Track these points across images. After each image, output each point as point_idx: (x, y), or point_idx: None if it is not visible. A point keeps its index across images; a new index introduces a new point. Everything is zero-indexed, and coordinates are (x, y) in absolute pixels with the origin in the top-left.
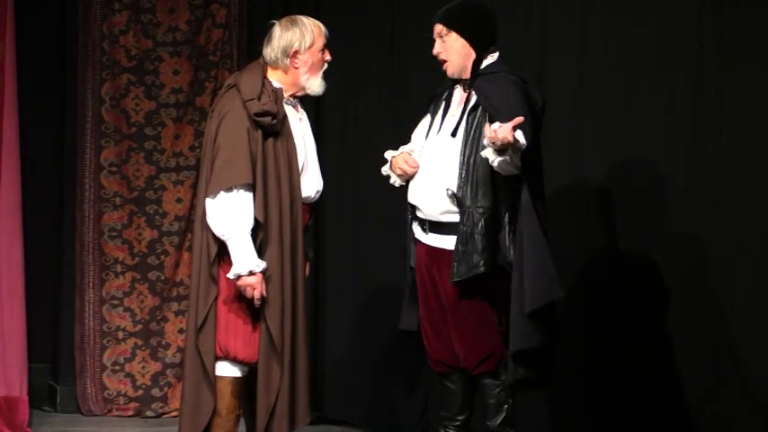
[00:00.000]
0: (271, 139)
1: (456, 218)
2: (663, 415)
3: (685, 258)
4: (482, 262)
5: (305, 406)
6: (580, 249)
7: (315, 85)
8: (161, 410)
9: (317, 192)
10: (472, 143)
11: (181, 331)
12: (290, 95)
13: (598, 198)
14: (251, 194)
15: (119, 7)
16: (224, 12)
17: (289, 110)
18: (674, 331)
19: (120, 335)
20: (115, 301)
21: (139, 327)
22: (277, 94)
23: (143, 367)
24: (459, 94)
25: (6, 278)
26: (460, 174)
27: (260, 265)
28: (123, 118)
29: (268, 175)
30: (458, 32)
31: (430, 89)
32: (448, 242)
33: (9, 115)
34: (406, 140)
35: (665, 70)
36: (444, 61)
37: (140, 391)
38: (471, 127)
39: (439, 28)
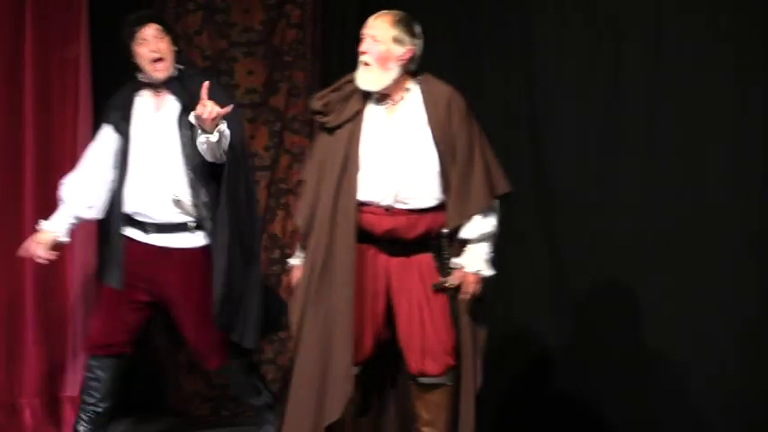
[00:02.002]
0: (331, 138)
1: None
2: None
3: None
4: None
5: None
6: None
7: (357, 80)
8: (236, 410)
9: (386, 197)
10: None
11: None
12: (383, 93)
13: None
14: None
15: (193, 7)
16: (298, 12)
17: (376, 109)
18: None
19: None
20: None
21: None
22: (353, 93)
23: None
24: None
25: (82, 279)
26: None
27: (290, 261)
28: None
29: (321, 174)
30: (171, 36)
31: (503, 84)
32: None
33: (84, 116)
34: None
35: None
36: (162, 60)
37: (216, 391)
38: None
39: (157, 27)
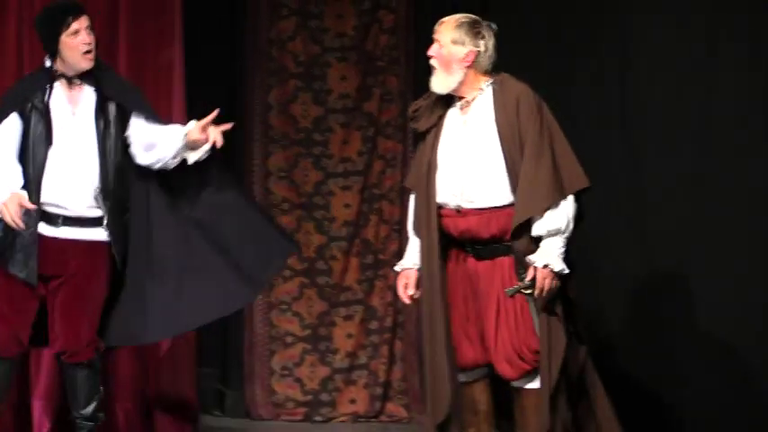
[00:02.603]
0: (423, 143)
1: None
2: None
3: None
4: None
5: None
6: None
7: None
8: (330, 415)
9: (455, 199)
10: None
11: (349, 336)
12: (460, 96)
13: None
14: (413, 196)
15: (286, 13)
16: (391, 17)
17: (453, 111)
18: None
19: (289, 339)
20: (284, 306)
21: (308, 331)
22: (439, 97)
23: (311, 372)
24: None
25: None
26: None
27: (400, 265)
28: (291, 124)
29: (417, 180)
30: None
31: (597, 87)
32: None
33: (178, 120)
34: (577, 138)
35: None
36: (92, 51)
37: (309, 396)
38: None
39: (88, 21)
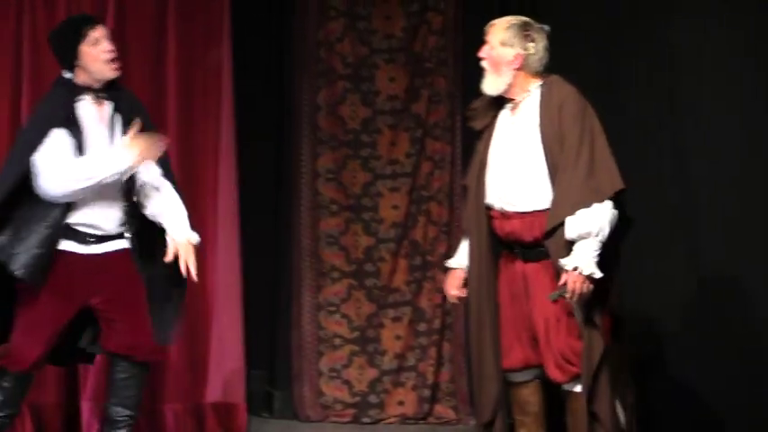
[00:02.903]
0: (479, 143)
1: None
2: None
3: None
4: None
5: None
6: None
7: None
8: (378, 417)
9: (500, 200)
10: None
11: (397, 338)
12: (510, 98)
13: None
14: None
15: (335, 15)
16: (440, 18)
17: (504, 112)
18: None
19: (337, 341)
20: (332, 308)
21: (356, 333)
22: (494, 98)
23: (360, 374)
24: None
25: (225, 285)
26: None
27: (448, 263)
28: (339, 125)
29: (473, 180)
30: None
31: (647, 91)
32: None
33: (226, 122)
34: (623, 147)
35: None
36: (117, 60)
37: (357, 398)
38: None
39: (106, 29)
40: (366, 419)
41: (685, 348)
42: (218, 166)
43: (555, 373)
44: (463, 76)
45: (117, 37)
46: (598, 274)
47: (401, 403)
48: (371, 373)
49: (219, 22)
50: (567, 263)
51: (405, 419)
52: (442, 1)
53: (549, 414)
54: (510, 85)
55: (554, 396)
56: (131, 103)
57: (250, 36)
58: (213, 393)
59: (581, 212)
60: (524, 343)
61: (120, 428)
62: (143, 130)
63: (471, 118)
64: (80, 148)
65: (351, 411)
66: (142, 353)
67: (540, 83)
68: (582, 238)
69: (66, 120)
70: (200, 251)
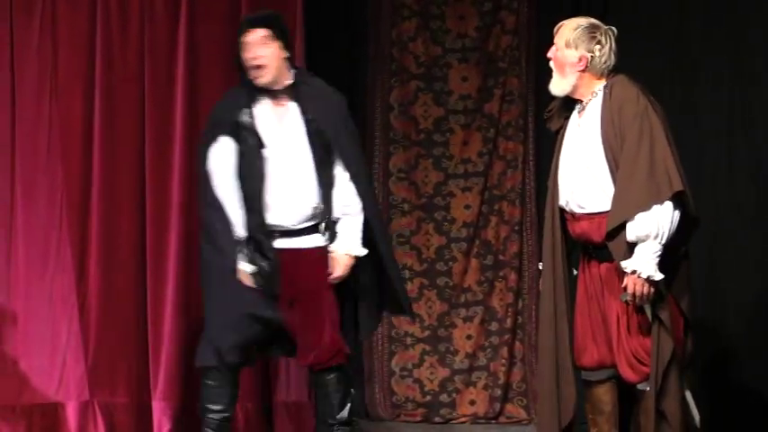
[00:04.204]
0: (556, 142)
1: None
2: None
3: None
4: None
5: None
6: None
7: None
8: (449, 416)
9: (569, 202)
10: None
11: (469, 337)
12: (579, 99)
13: None
14: None
15: (408, 14)
16: (513, 18)
17: (575, 114)
18: None
19: (409, 340)
20: None
21: (427, 333)
22: (563, 99)
23: (431, 373)
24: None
25: None
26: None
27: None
28: (412, 124)
29: (550, 178)
30: (283, 42)
31: (720, 87)
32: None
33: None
34: (694, 143)
35: None
36: (264, 66)
37: (428, 397)
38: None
39: (265, 33)
40: (437, 419)
41: (756, 348)
42: None
43: (627, 373)
44: (536, 75)
45: (190, 37)
46: (658, 277)
47: (472, 403)
48: (443, 372)
49: (292, 22)
50: (627, 266)
51: (476, 419)
52: (515, 0)
53: (623, 414)
54: (575, 87)
55: (628, 396)
56: (321, 105)
57: (323, 36)
58: (284, 392)
59: (640, 215)
60: (599, 343)
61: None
62: (336, 142)
63: (548, 119)
64: (259, 147)
65: (422, 411)
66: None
67: (606, 83)
68: (641, 240)
69: (238, 123)
70: None
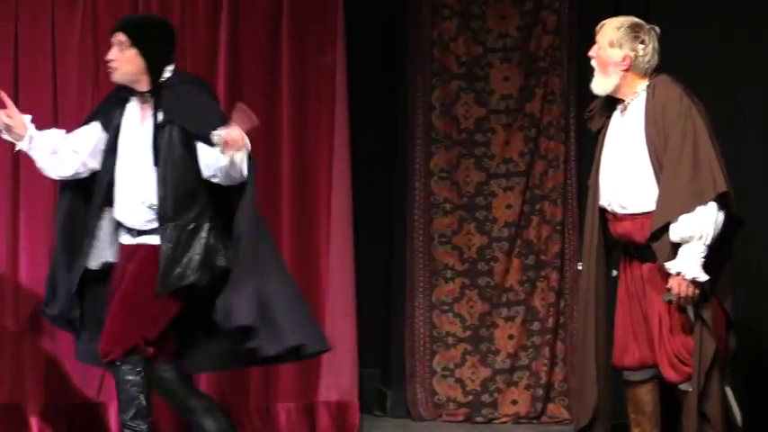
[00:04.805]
0: (597, 143)
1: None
2: None
3: None
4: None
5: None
6: None
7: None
8: (491, 416)
9: (611, 202)
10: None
11: (510, 337)
12: (621, 99)
13: None
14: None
15: (449, 14)
16: (554, 18)
17: (616, 114)
18: None
19: (450, 340)
20: (445, 307)
21: (469, 332)
22: (604, 99)
23: (473, 373)
24: (136, 107)
25: (338, 284)
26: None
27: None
28: (453, 124)
29: (591, 178)
30: (143, 49)
31: (764, 88)
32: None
33: (340, 121)
34: (737, 144)
35: None
36: (113, 68)
37: (470, 397)
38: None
39: (122, 38)
40: (479, 419)
41: None
42: (331, 167)
43: (669, 373)
44: (578, 75)
45: (231, 38)
46: (702, 278)
47: (514, 402)
48: (484, 372)
49: (333, 23)
50: (671, 267)
51: (518, 419)
52: (557, 0)
53: (665, 414)
54: (618, 86)
55: (670, 396)
56: (182, 102)
57: (364, 36)
58: (326, 392)
59: (684, 216)
60: (641, 343)
61: None
62: (196, 129)
63: (589, 119)
64: (113, 150)
65: (464, 410)
66: None
67: (648, 83)
68: (685, 241)
69: (110, 120)
70: (315, 250)
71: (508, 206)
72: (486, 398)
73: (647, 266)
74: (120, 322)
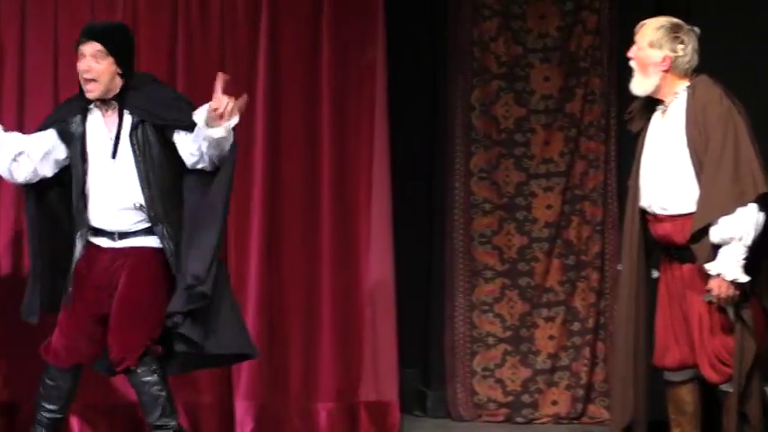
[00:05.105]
0: (637, 144)
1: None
2: None
3: None
4: None
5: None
6: None
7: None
8: (531, 417)
9: (651, 204)
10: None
11: (551, 337)
12: (661, 99)
13: None
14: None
15: (489, 14)
16: (594, 18)
17: (657, 114)
18: None
19: (491, 340)
20: (485, 307)
21: (509, 333)
22: (644, 100)
23: (513, 373)
24: (98, 115)
25: (379, 284)
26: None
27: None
28: (493, 124)
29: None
30: (115, 57)
31: None
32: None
33: (380, 122)
34: None
35: None
36: (94, 81)
37: (510, 397)
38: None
39: (96, 47)
40: (519, 419)
41: None
42: (371, 166)
43: (709, 374)
44: (618, 75)
45: (271, 40)
46: (743, 279)
47: (554, 403)
48: (525, 372)
49: (374, 21)
50: (711, 268)
51: (558, 419)
52: (597, 0)
53: (705, 414)
54: (658, 87)
55: (711, 396)
56: (150, 101)
57: (404, 36)
58: (366, 392)
59: (724, 218)
60: (681, 343)
61: None
62: (169, 123)
63: (629, 121)
64: (83, 159)
65: (504, 411)
66: None
67: (688, 84)
68: (725, 242)
69: (69, 128)
70: (355, 251)
71: (548, 206)
72: (526, 398)
73: (687, 267)
74: (129, 329)
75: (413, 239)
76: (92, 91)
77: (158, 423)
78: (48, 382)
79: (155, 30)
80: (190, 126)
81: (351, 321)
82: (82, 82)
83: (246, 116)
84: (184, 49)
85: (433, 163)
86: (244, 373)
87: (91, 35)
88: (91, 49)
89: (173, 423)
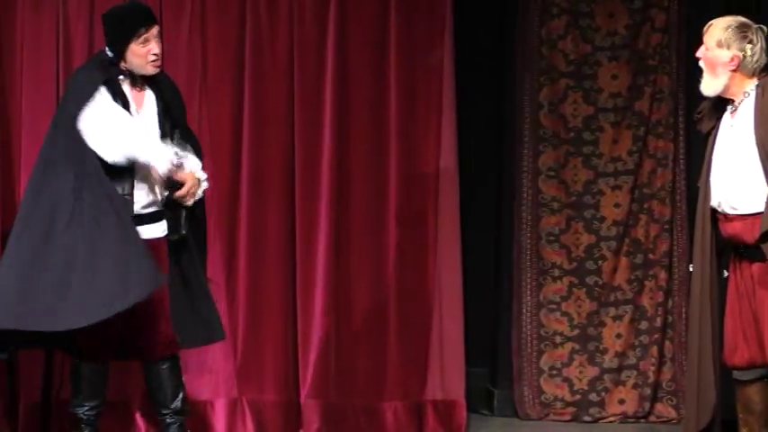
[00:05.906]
0: (707, 144)
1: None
2: None
3: None
4: None
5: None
6: None
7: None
8: (598, 416)
9: (721, 203)
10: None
11: (618, 336)
12: (730, 99)
13: None
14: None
15: (557, 12)
16: (663, 16)
17: (727, 114)
18: None
19: (558, 339)
20: (553, 306)
21: (577, 331)
22: (714, 100)
23: (580, 372)
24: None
25: (446, 283)
26: None
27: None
28: (561, 123)
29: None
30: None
31: None
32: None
33: (447, 119)
34: None
35: None
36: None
37: (578, 396)
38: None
39: (158, 29)
40: (587, 418)
41: None
42: (439, 165)
43: None
44: (687, 74)
45: (339, 37)
46: None
47: (622, 402)
48: (592, 371)
49: (442, 20)
50: None
51: (625, 418)
52: None
53: None
54: (727, 87)
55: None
56: (173, 91)
57: (472, 34)
58: (433, 391)
59: None
60: (751, 342)
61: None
62: (181, 121)
63: (698, 121)
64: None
65: (571, 410)
66: None
67: (757, 83)
68: None
69: (109, 82)
70: (423, 250)
71: (616, 205)
72: (593, 397)
73: (756, 266)
74: (165, 321)
75: (480, 238)
76: (157, 70)
77: (182, 407)
78: (89, 377)
79: (222, 30)
80: (181, 129)
81: (418, 320)
82: (144, 64)
83: (315, 116)
84: (252, 49)
85: (501, 161)
86: (310, 372)
87: (154, 18)
88: (156, 31)
89: (188, 407)
